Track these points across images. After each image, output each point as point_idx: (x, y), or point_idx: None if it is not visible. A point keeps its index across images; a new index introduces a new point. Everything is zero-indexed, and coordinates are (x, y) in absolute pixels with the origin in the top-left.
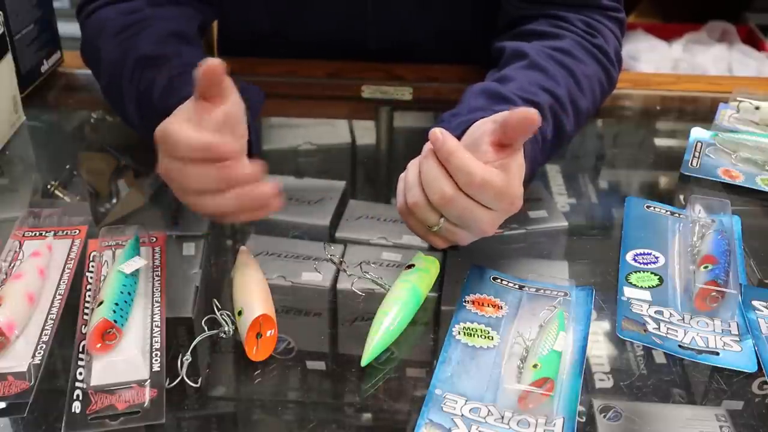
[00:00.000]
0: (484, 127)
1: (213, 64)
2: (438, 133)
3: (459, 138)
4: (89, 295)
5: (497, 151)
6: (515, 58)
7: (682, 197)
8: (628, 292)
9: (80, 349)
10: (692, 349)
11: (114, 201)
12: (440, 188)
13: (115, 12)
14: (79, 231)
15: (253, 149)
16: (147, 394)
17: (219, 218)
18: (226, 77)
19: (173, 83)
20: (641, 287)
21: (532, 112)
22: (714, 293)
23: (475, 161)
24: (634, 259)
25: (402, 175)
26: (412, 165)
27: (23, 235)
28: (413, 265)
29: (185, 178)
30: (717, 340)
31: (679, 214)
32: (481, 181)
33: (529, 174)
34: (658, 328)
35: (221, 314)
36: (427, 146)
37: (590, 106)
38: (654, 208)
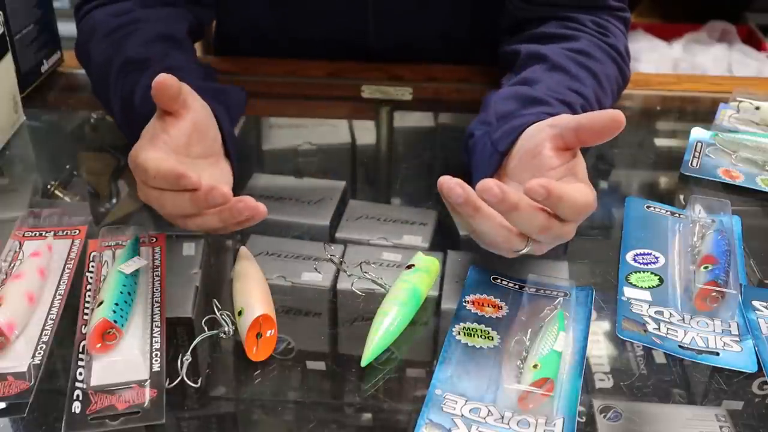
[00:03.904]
0: (542, 134)
1: (162, 79)
2: (539, 187)
3: (512, 144)
4: (89, 295)
5: (559, 156)
6: (533, 60)
7: (682, 197)
8: (628, 292)
9: (80, 349)
10: (692, 350)
11: (114, 201)
12: (539, 223)
13: (105, 14)
14: (79, 231)
15: (229, 147)
16: (147, 394)
17: (210, 232)
18: (183, 87)
19: None
20: (641, 287)
21: (619, 114)
22: (714, 293)
23: (574, 192)
24: (634, 259)
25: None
26: (480, 217)
27: (23, 235)
28: (413, 265)
29: (164, 205)
30: (717, 341)
31: (679, 214)
32: (583, 206)
33: None
34: (658, 328)
35: (221, 314)
36: (509, 202)
37: (611, 104)
38: (654, 208)
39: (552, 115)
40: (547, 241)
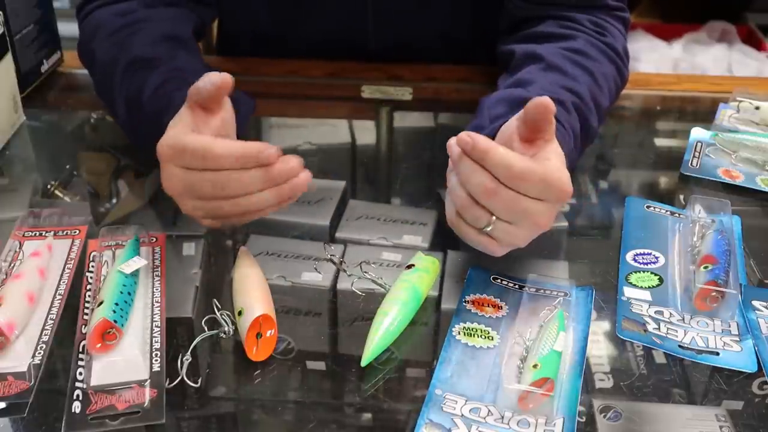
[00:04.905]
0: (510, 128)
1: (224, 78)
2: (465, 136)
3: None
4: (89, 295)
5: (528, 147)
6: (529, 60)
7: (682, 197)
8: (628, 292)
9: (80, 349)
10: (692, 349)
11: (114, 201)
12: (481, 182)
13: (109, 13)
14: (79, 231)
15: None
16: (147, 394)
17: (243, 218)
18: None
19: (164, 86)
20: (641, 287)
21: (545, 99)
22: (714, 293)
23: (512, 153)
24: (634, 259)
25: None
26: (450, 173)
27: (23, 235)
28: (413, 265)
29: (224, 186)
30: (717, 340)
31: (679, 214)
32: (520, 171)
33: (568, 168)
34: (658, 328)
35: (221, 314)
36: (455, 152)
37: (608, 103)
38: (654, 208)
39: None
40: (505, 216)
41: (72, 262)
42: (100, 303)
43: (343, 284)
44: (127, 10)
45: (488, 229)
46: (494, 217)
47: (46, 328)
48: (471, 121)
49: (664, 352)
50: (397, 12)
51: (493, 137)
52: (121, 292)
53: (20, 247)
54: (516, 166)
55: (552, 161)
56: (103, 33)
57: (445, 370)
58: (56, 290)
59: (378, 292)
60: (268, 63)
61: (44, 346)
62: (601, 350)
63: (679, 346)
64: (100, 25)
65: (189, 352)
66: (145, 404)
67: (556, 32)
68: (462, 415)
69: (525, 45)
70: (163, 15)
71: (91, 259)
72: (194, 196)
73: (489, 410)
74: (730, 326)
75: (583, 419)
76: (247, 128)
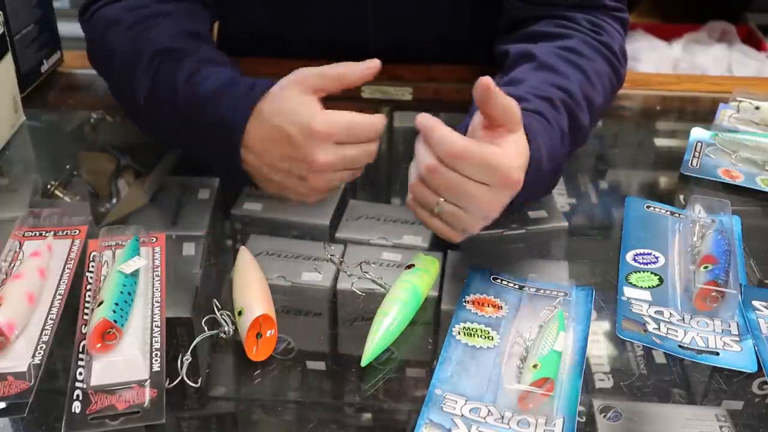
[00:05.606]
0: (477, 118)
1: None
2: (419, 117)
3: None
4: (89, 295)
5: (490, 136)
6: (522, 60)
7: (682, 197)
8: (628, 292)
9: (80, 349)
10: (692, 349)
11: (114, 201)
12: (424, 159)
13: (121, 9)
14: (79, 231)
15: None
16: (147, 394)
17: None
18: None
19: (201, 71)
20: (641, 287)
21: (485, 78)
22: (714, 293)
23: (454, 134)
24: (634, 259)
25: None
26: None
27: (23, 235)
28: (413, 265)
29: (345, 160)
30: (717, 340)
31: (679, 214)
32: (458, 150)
33: (553, 166)
34: (658, 328)
35: (221, 314)
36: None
37: (602, 101)
38: (654, 208)
39: (528, 110)
40: (449, 197)
41: (72, 262)
42: (100, 303)
43: (343, 284)
44: (138, 5)
45: (437, 210)
46: (442, 200)
47: (46, 328)
48: (464, 120)
49: (664, 352)
50: (397, 14)
51: None
52: (121, 292)
53: (20, 247)
54: (455, 144)
55: (503, 148)
56: (121, 26)
57: (445, 370)
58: (56, 290)
59: (378, 292)
60: (267, 63)
61: (44, 346)
62: (601, 350)
63: (679, 346)
64: (114, 21)
65: (189, 352)
66: (145, 404)
67: (552, 32)
68: (462, 415)
69: (520, 45)
70: (179, 11)
71: (91, 259)
72: (344, 167)
73: (489, 410)
74: (730, 326)
75: (583, 419)
76: None
